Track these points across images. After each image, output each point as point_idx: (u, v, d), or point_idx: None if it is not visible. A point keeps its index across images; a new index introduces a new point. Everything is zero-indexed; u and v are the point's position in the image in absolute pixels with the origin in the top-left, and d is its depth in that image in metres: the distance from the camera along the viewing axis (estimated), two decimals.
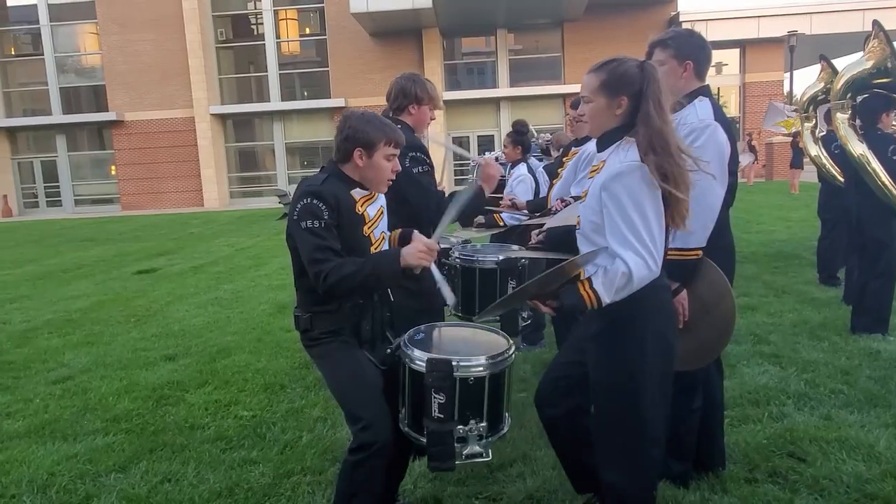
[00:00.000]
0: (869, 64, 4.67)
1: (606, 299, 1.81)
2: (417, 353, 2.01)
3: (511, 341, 2.15)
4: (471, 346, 2.18)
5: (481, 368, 1.96)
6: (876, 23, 4.54)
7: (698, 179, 2.20)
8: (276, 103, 24.33)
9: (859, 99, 4.77)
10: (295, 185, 2.38)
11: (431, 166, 2.84)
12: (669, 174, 1.81)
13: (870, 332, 4.45)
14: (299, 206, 2.06)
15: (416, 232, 2.28)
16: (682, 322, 2.35)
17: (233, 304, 6.62)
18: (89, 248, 12.59)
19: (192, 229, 15.61)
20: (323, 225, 2.02)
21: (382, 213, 2.28)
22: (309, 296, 2.16)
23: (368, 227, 2.19)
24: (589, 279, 1.84)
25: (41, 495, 2.79)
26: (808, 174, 13.30)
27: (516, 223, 4.35)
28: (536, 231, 2.39)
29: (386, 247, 2.29)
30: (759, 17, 22.10)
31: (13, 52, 25.97)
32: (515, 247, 3.11)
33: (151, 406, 3.79)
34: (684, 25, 22.23)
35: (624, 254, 1.80)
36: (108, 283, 8.41)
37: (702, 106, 2.30)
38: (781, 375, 3.76)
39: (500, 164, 5.03)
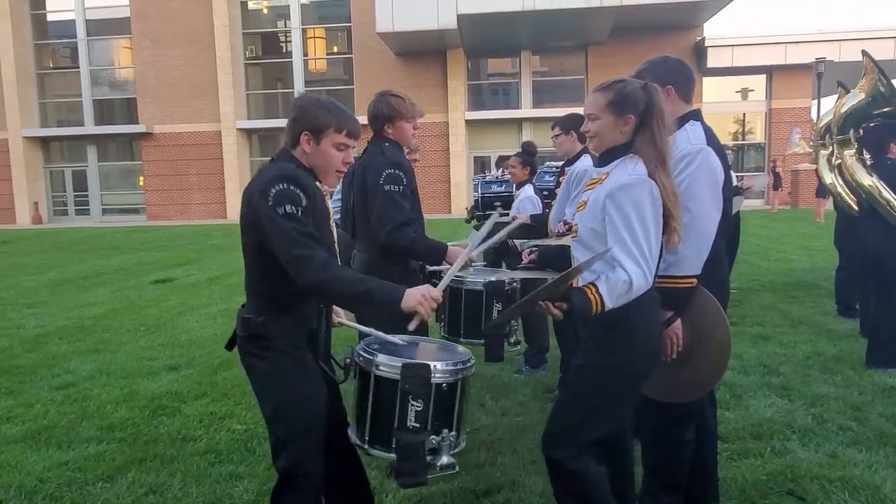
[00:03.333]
0: (862, 95, 4.60)
1: (609, 304, 1.87)
2: (385, 358, 1.87)
3: (468, 351, 2.08)
4: (428, 352, 2.12)
5: (453, 374, 1.89)
6: (864, 52, 4.48)
7: (692, 206, 2.17)
8: None
9: (862, 131, 4.69)
10: None
11: (409, 187, 2.84)
12: (669, 190, 1.93)
13: (886, 367, 4.30)
14: (274, 190, 1.83)
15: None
16: (676, 352, 2.29)
17: None
18: (111, 257, 12.82)
19: (213, 240, 15.82)
20: (302, 212, 1.84)
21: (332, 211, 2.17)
22: (265, 299, 1.96)
23: (331, 221, 2.07)
24: (595, 284, 1.88)
25: (27, 502, 2.80)
26: None
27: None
28: (528, 251, 2.36)
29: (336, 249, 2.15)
30: (786, 43, 21.91)
31: (51, 65, 26.87)
32: (508, 271, 3.06)
33: (147, 416, 3.80)
34: (710, 51, 22.17)
35: (626, 263, 1.87)
36: (125, 291, 8.53)
37: (693, 130, 2.25)
38: (788, 409, 3.64)
39: (501, 181, 5.01)
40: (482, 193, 5.26)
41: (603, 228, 1.93)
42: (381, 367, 1.86)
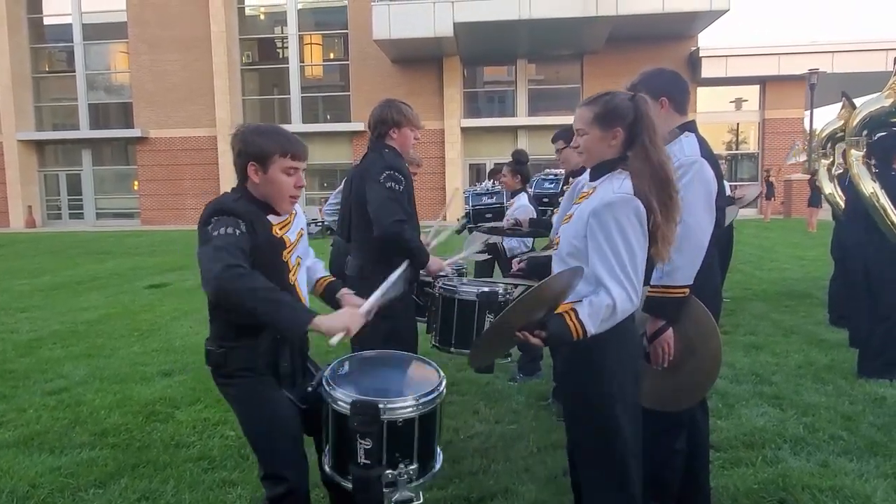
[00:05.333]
0: (888, 102, 4.61)
1: (592, 330, 1.80)
2: (340, 393, 1.82)
3: (442, 374, 2.00)
4: (399, 380, 2.06)
5: (411, 409, 1.80)
6: None
7: (686, 217, 2.19)
8: (297, 125, 24.72)
9: (875, 137, 4.70)
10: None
11: (406, 190, 2.88)
12: (664, 206, 1.85)
13: (877, 376, 4.32)
14: (213, 219, 1.86)
15: (348, 296, 2.19)
16: (668, 362, 2.31)
17: None
18: (105, 261, 12.78)
19: None
20: (238, 234, 1.83)
21: (302, 235, 2.15)
22: (224, 328, 1.99)
23: (288, 252, 2.03)
24: (575, 310, 1.81)
25: None
26: (827, 213, 13.16)
27: (516, 248, 4.33)
28: (517, 259, 2.38)
29: (303, 274, 2.14)
30: (779, 54, 22.08)
31: (47, 69, 26.82)
32: (501, 286, 3.04)
33: (141, 422, 3.78)
34: (704, 61, 22.32)
35: (609, 284, 1.80)
36: (119, 296, 8.50)
37: (688, 142, 2.28)
38: (780, 418, 3.66)
39: (493, 192, 5.04)
40: (473, 205, 5.29)
41: (584, 245, 1.87)
42: (338, 403, 1.82)
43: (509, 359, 3.07)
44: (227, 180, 24.40)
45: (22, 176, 25.07)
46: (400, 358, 2.24)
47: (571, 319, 1.79)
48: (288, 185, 1.96)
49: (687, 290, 2.25)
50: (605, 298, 1.79)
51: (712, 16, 20.80)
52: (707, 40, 23.24)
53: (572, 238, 1.92)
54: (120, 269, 11.53)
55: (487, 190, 5.18)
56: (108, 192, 26.57)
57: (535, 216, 4.51)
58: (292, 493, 1.93)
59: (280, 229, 2.02)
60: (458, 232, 5.60)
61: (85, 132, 25.47)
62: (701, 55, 22.39)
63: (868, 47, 21.26)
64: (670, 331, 2.29)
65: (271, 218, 2.00)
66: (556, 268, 2.03)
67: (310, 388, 2.02)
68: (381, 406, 1.76)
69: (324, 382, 1.91)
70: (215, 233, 1.82)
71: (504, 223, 3.81)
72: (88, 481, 3.00)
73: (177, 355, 5.33)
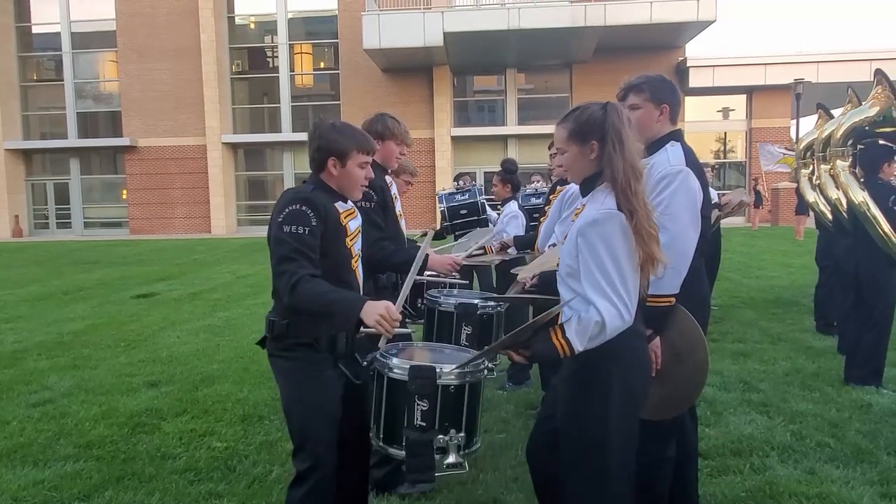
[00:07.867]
0: (873, 112, 4.66)
1: (579, 347, 1.78)
2: (397, 361, 2.01)
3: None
4: (447, 357, 2.23)
5: (463, 376, 2.00)
6: (879, 71, 4.56)
7: (671, 226, 2.21)
8: (287, 134, 24.70)
9: (860, 147, 4.76)
10: None
11: (380, 204, 2.87)
12: (637, 215, 1.79)
13: (863, 383, 4.36)
14: (287, 210, 2.05)
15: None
16: (655, 370, 2.32)
17: (224, 332, 6.59)
18: (92, 271, 12.66)
19: (196, 255, 15.68)
20: (308, 232, 2.03)
21: (359, 231, 2.33)
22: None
23: (350, 240, 2.23)
24: (562, 327, 1.81)
25: None
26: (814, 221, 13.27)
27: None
28: (531, 276, 2.40)
29: (360, 266, 2.31)
30: (765, 64, 22.35)
31: (35, 77, 26.64)
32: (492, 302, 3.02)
33: (126, 433, 3.74)
34: (692, 71, 22.56)
35: (598, 302, 1.77)
36: (106, 306, 8.42)
37: (673, 151, 2.29)
38: (768, 425, 3.68)
39: (464, 191, 5.10)
40: (447, 205, 5.36)
41: (577, 265, 1.84)
42: (394, 370, 2.00)
43: (493, 374, 3.06)
44: (217, 189, 24.33)
45: (9, 185, 24.82)
46: (440, 346, 2.47)
47: (557, 338, 1.80)
48: (361, 177, 2.23)
49: (673, 300, 2.26)
50: (593, 315, 1.76)
51: (699, 26, 21.04)
52: (694, 50, 23.47)
53: (567, 259, 1.89)
54: (107, 278, 11.43)
55: (458, 188, 5.27)
56: (96, 201, 26.34)
57: (522, 225, 4.54)
58: (319, 468, 2.09)
59: (344, 219, 2.21)
60: (439, 237, 5.64)
61: (73, 141, 25.28)
62: (688, 65, 22.62)
63: (852, 58, 21.57)
64: (657, 340, 2.29)
65: (338, 206, 2.21)
66: (560, 287, 1.98)
67: (365, 363, 2.16)
68: (437, 369, 1.95)
69: (379, 356, 2.07)
70: (286, 227, 2.02)
71: (492, 243, 3.80)
72: (72, 494, 2.96)
73: (163, 366, 5.28)
